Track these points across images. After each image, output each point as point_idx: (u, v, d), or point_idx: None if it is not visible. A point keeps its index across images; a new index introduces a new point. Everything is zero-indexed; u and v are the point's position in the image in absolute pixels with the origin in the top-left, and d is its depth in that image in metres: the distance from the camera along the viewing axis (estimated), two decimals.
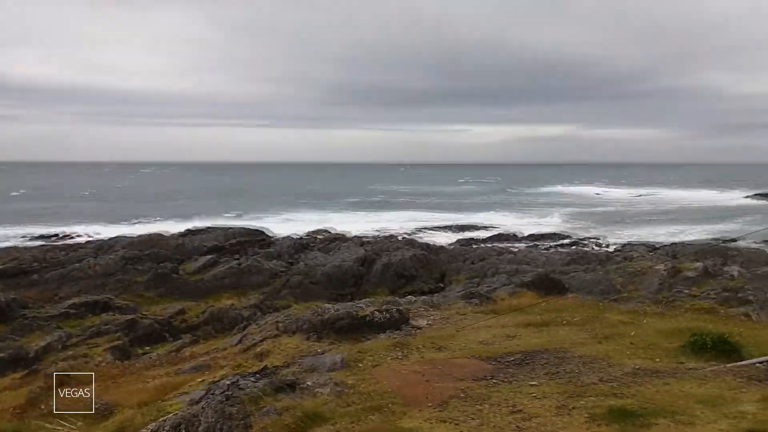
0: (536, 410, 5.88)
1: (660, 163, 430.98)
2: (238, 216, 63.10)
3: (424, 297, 15.75)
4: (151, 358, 14.92)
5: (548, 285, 16.09)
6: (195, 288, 24.77)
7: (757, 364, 7.70)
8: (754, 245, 40.50)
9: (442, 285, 27.45)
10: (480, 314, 11.73)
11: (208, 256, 27.30)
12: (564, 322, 10.60)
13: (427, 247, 33.51)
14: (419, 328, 10.46)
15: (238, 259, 27.35)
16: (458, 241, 47.58)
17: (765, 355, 8.37)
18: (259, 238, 32.31)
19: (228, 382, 7.17)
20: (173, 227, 48.52)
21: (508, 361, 7.73)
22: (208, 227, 37.16)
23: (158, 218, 59.64)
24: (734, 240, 41.45)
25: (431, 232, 54.60)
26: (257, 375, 7.53)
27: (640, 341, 8.98)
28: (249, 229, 35.00)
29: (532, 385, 6.63)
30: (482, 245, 42.76)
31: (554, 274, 20.58)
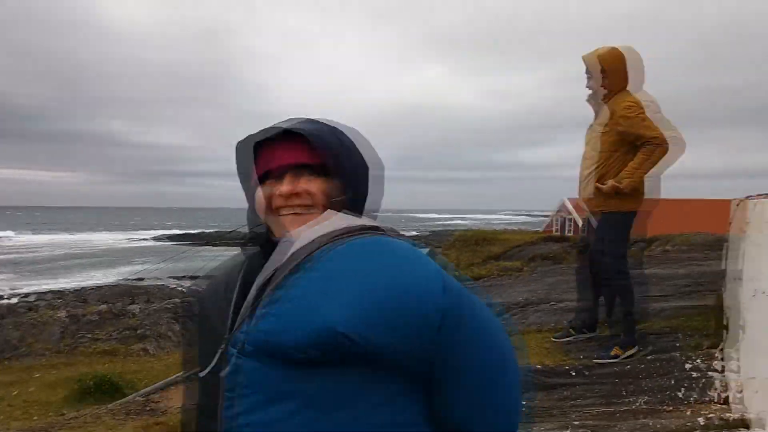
0: None
1: (70, 206, 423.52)
2: None
3: None
4: None
5: None
6: None
7: (137, 398, 8.12)
8: (157, 282, 44.85)
9: None
10: None
11: None
12: None
13: None
14: None
15: None
16: None
17: (151, 384, 8.99)
18: None
19: None
20: None
21: None
22: None
23: None
24: (141, 279, 44.64)
25: None
26: None
27: (23, 400, 8.12)
28: None
29: None
30: None
31: None
